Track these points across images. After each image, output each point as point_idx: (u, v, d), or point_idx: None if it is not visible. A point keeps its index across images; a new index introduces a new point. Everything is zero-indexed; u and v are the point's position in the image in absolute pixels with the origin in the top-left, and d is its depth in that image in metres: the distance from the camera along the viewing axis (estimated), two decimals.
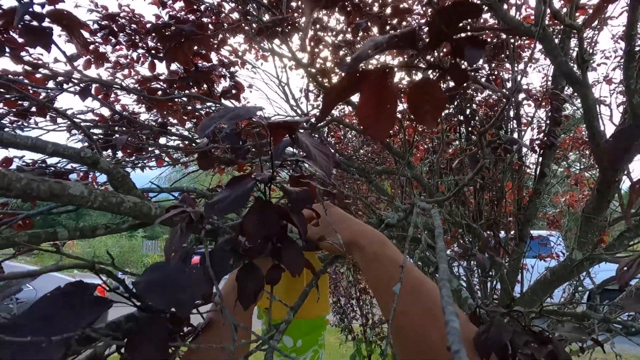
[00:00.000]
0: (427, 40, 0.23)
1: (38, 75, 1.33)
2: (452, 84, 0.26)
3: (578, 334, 0.42)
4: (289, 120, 0.41)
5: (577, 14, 1.71)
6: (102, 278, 0.40)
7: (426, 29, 0.22)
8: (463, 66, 0.24)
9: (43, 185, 0.41)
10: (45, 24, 0.60)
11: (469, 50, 0.22)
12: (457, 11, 0.21)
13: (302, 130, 0.43)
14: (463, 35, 0.22)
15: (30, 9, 0.56)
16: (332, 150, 2.11)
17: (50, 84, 1.32)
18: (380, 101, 0.29)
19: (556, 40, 1.67)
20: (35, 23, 0.59)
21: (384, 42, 0.26)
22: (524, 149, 2.03)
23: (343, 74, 0.28)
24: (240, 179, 0.42)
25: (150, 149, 1.72)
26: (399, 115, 1.97)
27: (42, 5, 0.59)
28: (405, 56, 1.55)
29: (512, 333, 0.36)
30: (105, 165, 0.57)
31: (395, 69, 0.28)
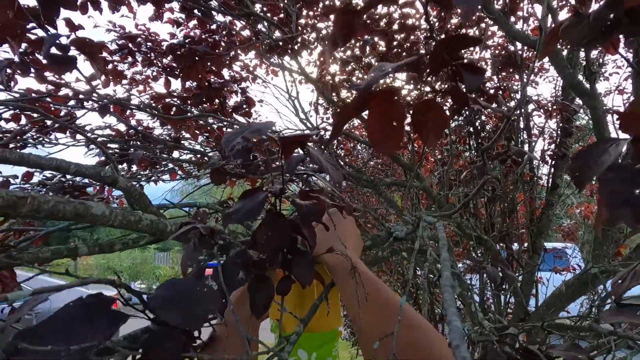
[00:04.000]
0: (430, 66, 0.25)
1: (60, 93, 1.40)
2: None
3: (575, 352, 0.41)
4: (299, 134, 0.43)
5: None
6: (119, 291, 0.42)
7: (429, 57, 0.24)
8: (463, 89, 0.26)
9: (68, 206, 0.44)
10: (71, 52, 0.64)
11: (468, 76, 0.24)
12: (457, 41, 0.23)
13: (312, 144, 0.45)
14: (462, 62, 0.24)
15: (57, 41, 0.60)
16: (342, 163, 2.13)
17: (72, 102, 1.39)
18: (387, 118, 0.31)
19: (564, 52, 1.68)
20: (60, 53, 0.63)
21: (392, 68, 0.28)
22: (535, 161, 2.01)
23: (354, 95, 0.30)
24: (252, 192, 0.44)
25: (164, 162, 1.77)
26: (407, 128, 1.99)
27: (68, 37, 0.63)
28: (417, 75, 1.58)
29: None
30: (123, 184, 0.59)
31: (402, 88, 0.30)
